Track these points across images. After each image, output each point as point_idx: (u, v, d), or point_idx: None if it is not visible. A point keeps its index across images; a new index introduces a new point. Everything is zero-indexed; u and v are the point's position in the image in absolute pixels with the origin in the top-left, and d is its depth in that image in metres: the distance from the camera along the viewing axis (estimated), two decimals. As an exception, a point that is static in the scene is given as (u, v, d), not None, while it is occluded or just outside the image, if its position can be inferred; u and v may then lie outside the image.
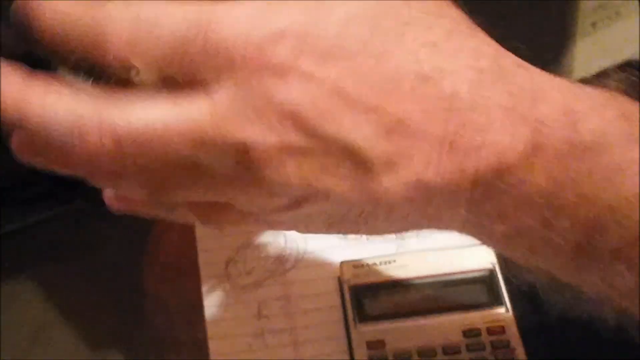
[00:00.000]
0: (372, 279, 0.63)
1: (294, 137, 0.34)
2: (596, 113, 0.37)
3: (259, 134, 0.34)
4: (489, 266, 0.62)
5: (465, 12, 0.38)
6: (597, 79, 0.39)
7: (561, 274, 0.40)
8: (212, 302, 0.63)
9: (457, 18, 0.37)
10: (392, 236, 0.66)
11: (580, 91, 0.38)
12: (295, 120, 0.34)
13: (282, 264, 0.65)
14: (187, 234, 0.66)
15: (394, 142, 0.35)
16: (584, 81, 0.39)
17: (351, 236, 0.66)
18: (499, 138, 0.36)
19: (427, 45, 0.35)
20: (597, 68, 0.75)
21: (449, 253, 0.63)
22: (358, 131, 0.35)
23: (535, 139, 0.36)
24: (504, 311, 0.60)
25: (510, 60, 0.37)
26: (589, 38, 0.72)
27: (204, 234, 0.66)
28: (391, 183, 0.36)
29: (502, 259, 0.63)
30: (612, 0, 0.71)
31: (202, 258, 0.65)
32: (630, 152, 0.36)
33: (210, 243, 0.66)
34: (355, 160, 0.35)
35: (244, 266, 0.65)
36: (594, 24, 0.69)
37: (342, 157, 0.35)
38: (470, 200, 0.37)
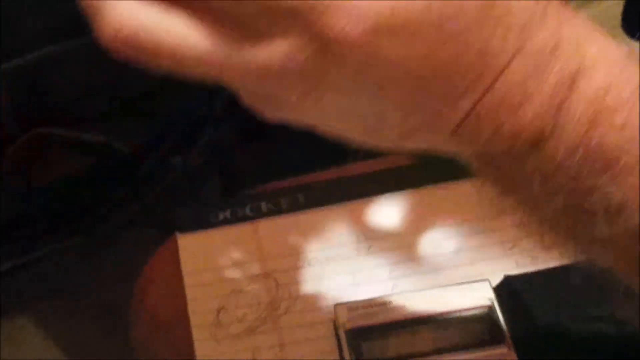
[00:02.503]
0: (368, 322, 0.61)
1: None
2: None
3: None
4: (488, 303, 0.61)
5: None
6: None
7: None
8: (204, 352, 0.61)
9: None
10: (386, 276, 0.65)
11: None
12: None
13: (275, 309, 0.63)
14: (175, 283, 0.64)
15: None
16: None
17: (344, 277, 0.65)
18: None
19: None
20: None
21: (446, 291, 0.62)
22: None
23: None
24: (505, 350, 0.58)
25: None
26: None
27: (192, 282, 0.64)
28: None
29: (500, 294, 0.62)
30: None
31: (192, 307, 0.63)
32: None
33: (199, 291, 0.64)
34: None
35: (235, 313, 0.63)
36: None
37: None
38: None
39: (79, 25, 0.74)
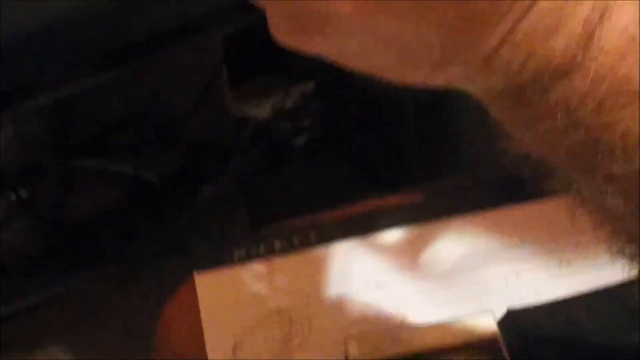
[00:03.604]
0: (378, 355, 0.63)
1: None
2: None
3: None
4: (491, 336, 0.63)
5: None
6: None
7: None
8: (222, 388, 0.64)
9: None
10: (395, 310, 0.67)
11: None
12: None
13: (289, 345, 0.66)
14: (194, 320, 0.67)
15: None
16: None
17: (355, 312, 0.67)
18: None
19: None
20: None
21: (453, 324, 0.64)
22: None
23: None
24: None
25: None
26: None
27: (209, 320, 0.67)
28: None
29: (503, 327, 0.63)
30: None
31: (209, 344, 0.66)
32: None
33: (216, 328, 0.67)
34: None
35: (251, 350, 0.65)
36: None
37: None
38: None
39: (109, 60, 0.76)
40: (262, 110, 1.04)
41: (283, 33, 0.39)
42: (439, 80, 0.39)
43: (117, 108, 0.98)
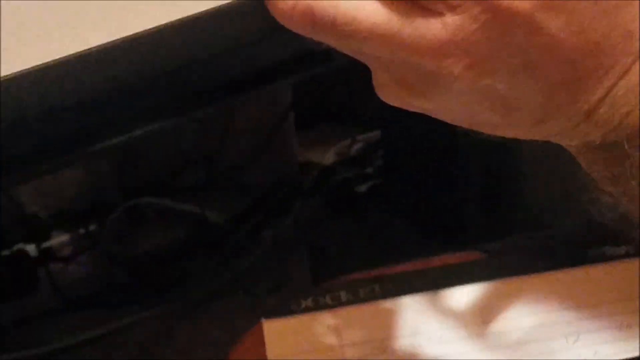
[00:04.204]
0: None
1: None
2: None
3: None
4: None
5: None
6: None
7: None
8: None
9: None
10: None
11: None
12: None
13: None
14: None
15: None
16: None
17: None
18: None
19: None
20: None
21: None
22: None
23: None
24: None
25: None
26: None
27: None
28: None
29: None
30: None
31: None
32: None
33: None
34: None
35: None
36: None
37: None
38: None
39: (181, 105, 0.78)
40: (327, 157, 1.05)
41: (389, 93, 0.40)
42: (538, 134, 0.40)
43: (186, 149, 1.00)
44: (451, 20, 0.35)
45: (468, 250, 0.77)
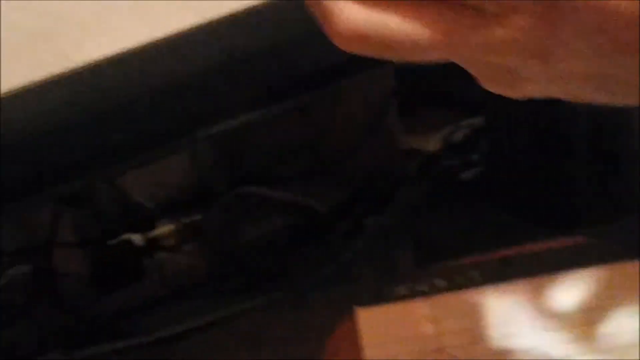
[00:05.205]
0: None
1: None
2: None
3: None
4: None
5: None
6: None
7: None
8: None
9: None
10: (562, 354, 0.66)
11: None
12: None
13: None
14: (355, 356, 0.67)
15: None
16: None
17: (519, 354, 0.66)
18: None
19: None
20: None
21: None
22: None
23: None
24: None
25: None
26: None
27: (372, 355, 0.67)
28: None
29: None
30: None
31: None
32: None
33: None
34: None
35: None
36: None
37: None
38: None
39: (282, 92, 0.78)
40: (431, 143, 1.04)
41: (489, 86, 0.40)
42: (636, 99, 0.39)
43: (288, 138, 1.00)
44: (515, 22, 0.35)
45: (576, 236, 0.75)
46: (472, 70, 0.39)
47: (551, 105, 0.44)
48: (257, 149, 0.99)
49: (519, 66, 0.37)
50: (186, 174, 0.97)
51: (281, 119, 0.96)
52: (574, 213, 0.86)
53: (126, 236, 0.94)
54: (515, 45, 0.36)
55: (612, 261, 0.70)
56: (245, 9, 0.71)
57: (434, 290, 0.71)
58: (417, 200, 1.00)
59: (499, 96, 0.41)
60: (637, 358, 0.65)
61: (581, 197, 0.86)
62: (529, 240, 0.74)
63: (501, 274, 0.71)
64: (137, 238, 0.95)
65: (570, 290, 0.70)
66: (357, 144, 1.02)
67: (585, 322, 0.68)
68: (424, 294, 0.70)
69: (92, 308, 0.90)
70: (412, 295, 0.71)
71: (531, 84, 0.38)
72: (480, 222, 0.91)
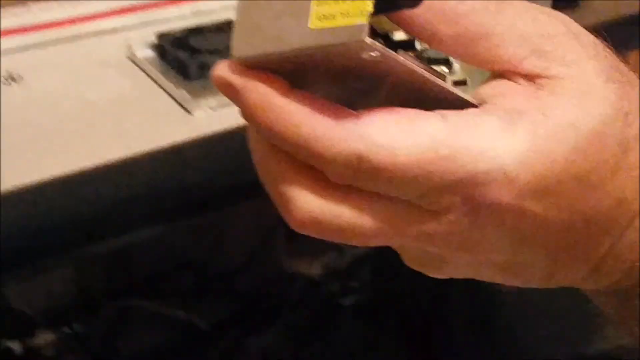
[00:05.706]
0: None
1: None
2: None
3: None
4: None
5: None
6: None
7: None
8: None
9: None
10: None
11: None
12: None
13: None
14: None
15: None
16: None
17: None
18: None
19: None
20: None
21: None
22: None
23: None
24: None
25: None
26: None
27: None
28: None
29: None
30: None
31: None
32: None
33: None
34: None
35: None
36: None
37: None
38: None
39: (172, 212, 0.80)
40: (314, 268, 1.06)
41: (413, 265, 0.42)
42: (551, 285, 0.42)
43: (176, 255, 1.02)
44: (445, 219, 0.38)
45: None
46: (401, 253, 0.42)
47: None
48: (143, 262, 1.00)
49: (446, 254, 0.40)
50: (69, 284, 0.97)
51: (170, 236, 0.98)
52: (450, 346, 0.89)
53: (4, 343, 0.93)
54: (446, 237, 0.39)
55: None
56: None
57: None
58: (298, 324, 1.02)
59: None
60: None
61: (456, 334, 0.89)
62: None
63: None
64: (16, 346, 0.93)
65: None
66: (243, 265, 1.03)
67: None
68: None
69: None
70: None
71: (452, 267, 0.41)
72: (359, 350, 0.93)
